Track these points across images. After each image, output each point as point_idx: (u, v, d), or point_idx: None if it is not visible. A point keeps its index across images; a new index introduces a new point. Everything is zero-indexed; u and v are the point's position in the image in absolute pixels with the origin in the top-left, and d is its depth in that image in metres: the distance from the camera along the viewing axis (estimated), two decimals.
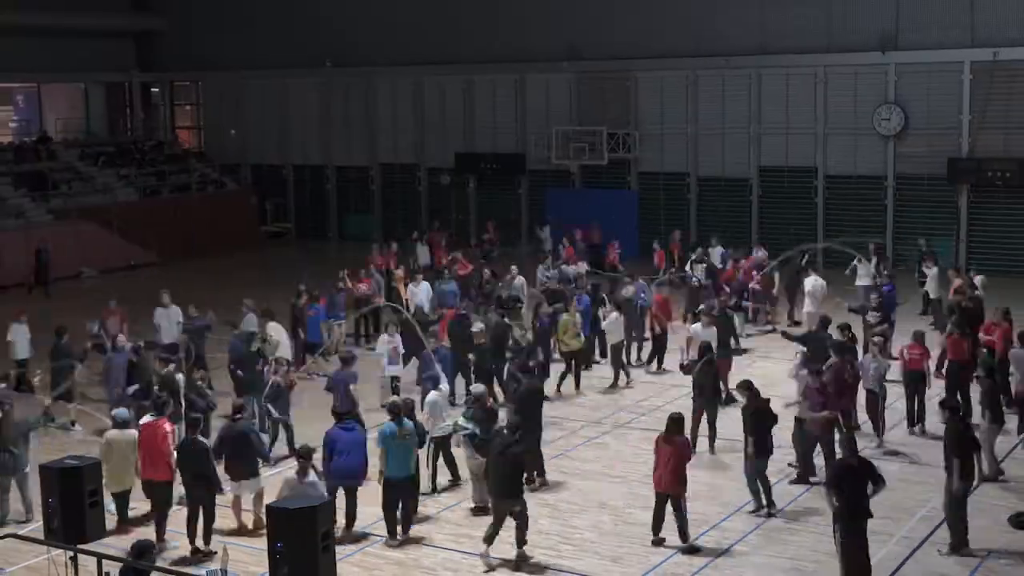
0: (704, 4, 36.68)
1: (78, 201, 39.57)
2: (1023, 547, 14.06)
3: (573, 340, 21.43)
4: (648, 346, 23.65)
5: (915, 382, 18.60)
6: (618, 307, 22.93)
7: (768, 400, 15.78)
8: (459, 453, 16.22)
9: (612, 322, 22.22)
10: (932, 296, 26.04)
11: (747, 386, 15.75)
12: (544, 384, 19.11)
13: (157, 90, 49.77)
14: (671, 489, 14.10)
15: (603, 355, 23.33)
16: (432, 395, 16.79)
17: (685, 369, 19.73)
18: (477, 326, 21.16)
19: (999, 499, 15.57)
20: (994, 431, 16.36)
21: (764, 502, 15.25)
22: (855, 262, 26.16)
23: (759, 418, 15.26)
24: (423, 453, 15.72)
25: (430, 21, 41.24)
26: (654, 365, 23.14)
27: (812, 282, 24.62)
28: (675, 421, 14.35)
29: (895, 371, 19.15)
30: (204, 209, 41.58)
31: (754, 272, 26.85)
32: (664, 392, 21.45)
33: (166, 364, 18.62)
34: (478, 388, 16.68)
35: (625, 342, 22.64)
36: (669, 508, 14.13)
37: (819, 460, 16.34)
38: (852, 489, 12.59)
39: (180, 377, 18.47)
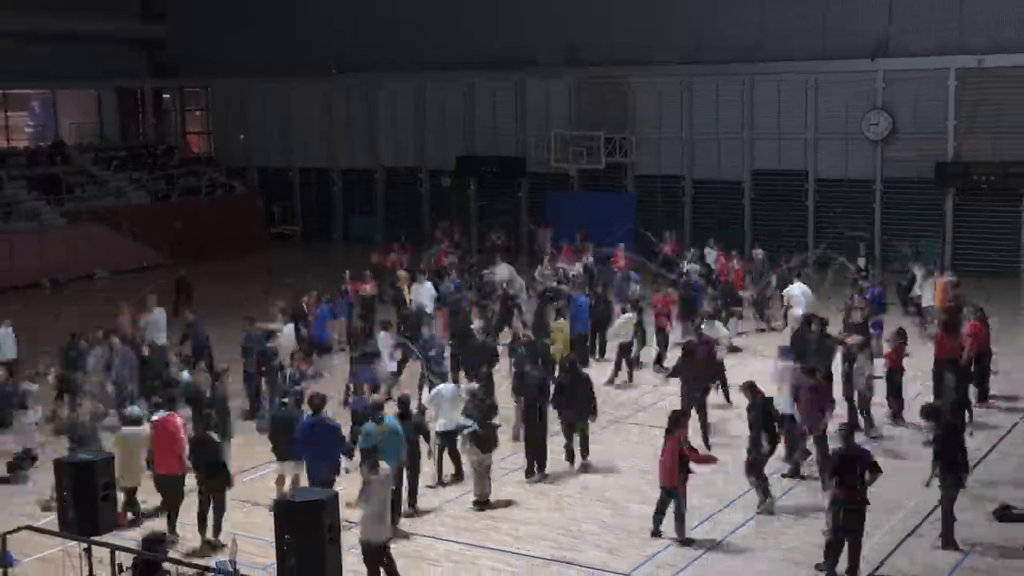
0: (701, 11, 36.60)
1: (91, 204, 39.61)
2: (1007, 540, 14.08)
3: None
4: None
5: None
6: (632, 306, 22.77)
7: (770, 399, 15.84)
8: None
9: (622, 323, 22.13)
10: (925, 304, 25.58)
11: (750, 387, 15.77)
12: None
13: (168, 96, 49.80)
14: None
15: (602, 353, 23.51)
16: (436, 389, 16.81)
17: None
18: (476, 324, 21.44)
19: (985, 492, 15.56)
20: None
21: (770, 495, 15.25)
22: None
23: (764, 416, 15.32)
24: (427, 447, 15.81)
25: (431, 25, 41.22)
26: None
27: (799, 288, 24.41)
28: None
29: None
30: (212, 212, 41.62)
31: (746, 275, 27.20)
32: (659, 388, 21.49)
33: (192, 365, 18.78)
34: (472, 386, 16.71)
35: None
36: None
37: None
38: (851, 477, 12.77)
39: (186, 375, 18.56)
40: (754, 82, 36.10)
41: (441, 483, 16.37)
